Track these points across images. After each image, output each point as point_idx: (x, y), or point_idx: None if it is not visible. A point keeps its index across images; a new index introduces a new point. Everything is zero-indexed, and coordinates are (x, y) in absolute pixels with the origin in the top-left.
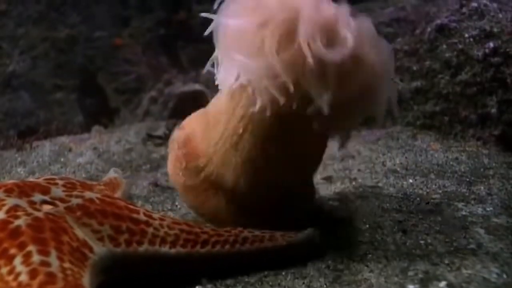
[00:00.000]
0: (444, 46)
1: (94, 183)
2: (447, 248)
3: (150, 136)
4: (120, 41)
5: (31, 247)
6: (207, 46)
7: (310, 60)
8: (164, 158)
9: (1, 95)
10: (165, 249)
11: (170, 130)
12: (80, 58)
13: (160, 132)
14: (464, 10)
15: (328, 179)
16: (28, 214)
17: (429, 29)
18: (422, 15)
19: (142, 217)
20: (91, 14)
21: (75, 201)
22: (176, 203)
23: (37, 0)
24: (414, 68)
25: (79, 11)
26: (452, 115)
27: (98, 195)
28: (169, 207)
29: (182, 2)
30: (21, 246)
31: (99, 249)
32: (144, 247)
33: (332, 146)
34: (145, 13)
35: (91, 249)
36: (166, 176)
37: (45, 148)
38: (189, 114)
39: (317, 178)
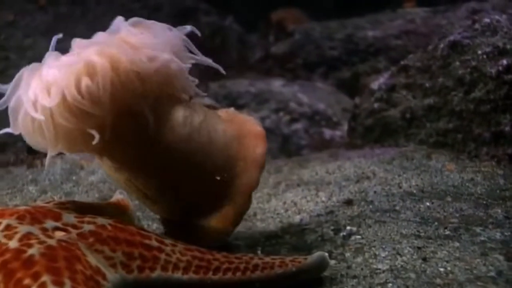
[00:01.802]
0: (457, 63)
1: (103, 203)
2: (467, 276)
3: None
4: None
5: (45, 278)
6: (214, 59)
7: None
8: None
9: None
10: (178, 275)
11: None
12: None
13: None
14: (476, 26)
15: (349, 203)
16: (41, 242)
17: (441, 46)
18: (431, 28)
19: (154, 243)
20: (98, 25)
21: (87, 227)
22: None
23: (44, 11)
24: (427, 85)
25: (87, 23)
26: (465, 133)
27: (110, 221)
28: None
29: (189, 14)
30: (35, 277)
31: (112, 276)
32: (156, 274)
33: (348, 167)
34: None
35: (104, 276)
36: None
37: (56, 165)
38: None
39: (335, 200)
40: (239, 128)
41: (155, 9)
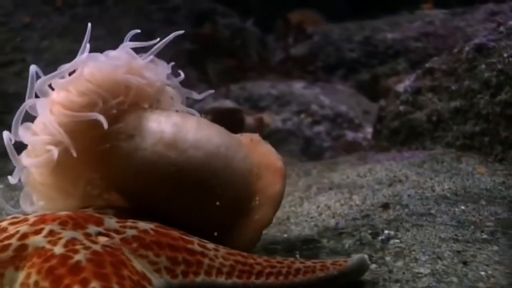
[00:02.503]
0: (483, 66)
1: None
2: (509, 280)
3: None
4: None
5: (94, 284)
6: (234, 61)
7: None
8: None
9: None
10: (222, 280)
11: None
12: None
13: None
14: (501, 29)
15: (386, 207)
16: (86, 248)
17: (467, 48)
18: (450, 30)
19: (197, 247)
20: (115, 27)
21: (130, 232)
22: None
23: (61, 13)
24: (453, 87)
25: (104, 24)
26: (492, 135)
27: (152, 226)
28: None
29: (207, 15)
30: (84, 283)
31: (157, 281)
32: (201, 278)
33: (379, 170)
34: (169, 26)
35: (150, 282)
36: None
37: None
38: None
39: (370, 204)
40: (260, 159)
41: (172, 11)
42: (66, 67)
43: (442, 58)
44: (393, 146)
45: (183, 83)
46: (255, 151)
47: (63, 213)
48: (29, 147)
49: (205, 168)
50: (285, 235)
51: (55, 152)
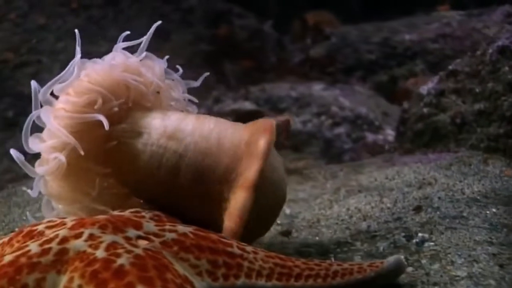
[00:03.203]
0: (506, 68)
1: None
2: None
3: None
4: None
5: None
6: (253, 63)
7: None
8: None
9: None
10: (262, 282)
11: None
12: None
13: None
14: None
15: (418, 209)
16: (128, 252)
17: (490, 51)
18: (468, 31)
19: (236, 250)
20: (131, 28)
21: (169, 235)
22: None
23: (76, 14)
24: (477, 90)
25: (119, 25)
26: None
27: (191, 229)
28: None
29: (222, 16)
30: (129, 287)
31: (199, 284)
32: (241, 281)
33: (407, 172)
34: (186, 27)
35: (192, 285)
36: None
37: None
38: None
39: (401, 207)
40: (250, 130)
41: (188, 12)
42: (62, 73)
43: (465, 60)
44: (417, 148)
45: (203, 84)
46: (249, 129)
47: (102, 217)
48: (42, 155)
49: (200, 150)
50: (317, 238)
51: (61, 156)
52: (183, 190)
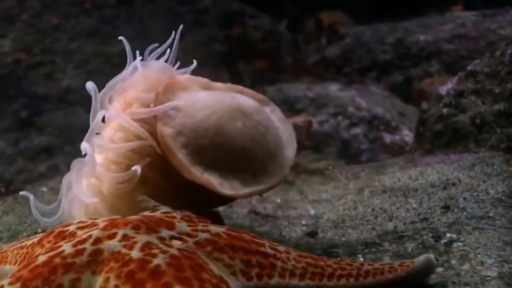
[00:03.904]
0: None
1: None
2: None
3: None
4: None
5: None
6: (268, 63)
7: None
8: None
9: (56, 110)
10: (295, 282)
11: None
12: None
13: None
14: None
15: (447, 208)
16: (163, 252)
17: (509, 51)
18: (482, 32)
19: (269, 250)
20: (144, 28)
21: (202, 235)
22: (284, 233)
23: (89, 14)
24: (496, 90)
25: (132, 26)
26: None
27: (223, 229)
28: (278, 237)
29: (236, 16)
30: (167, 287)
31: (234, 284)
32: (275, 280)
33: (430, 173)
34: (198, 27)
35: (227, 285)
36: (262, 202)
37: None
38: None
39: (427, 207)
40: None
41: (201, 13)
42: (121, 74)
43: (484, 61)
44: (437, 149)
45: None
46: None
47: (134, 217)
48: (103, 158)
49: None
50: (343, 239)
51: (138, 169)
52: None
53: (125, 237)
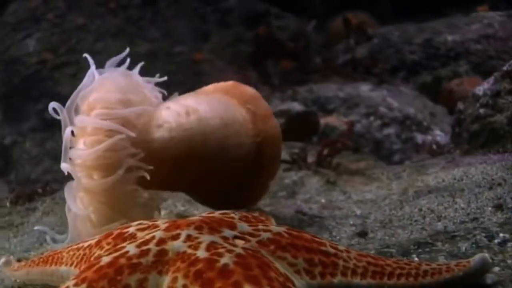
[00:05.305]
0: None
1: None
2: None
3: None
4: (201, 56)
5: (247, 287)
6: (296, 63)
7: None
8: (297, 183)
9: None
10: (357, 280)
11: (298, 155)
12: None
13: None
14: None
15: (499, 207)
16: (229, 251)
17: None
18: (510, 32)
19: (330, 249)
20: (169, 28)
21: (264, 235)
22: (333, 233)
23: (115, 14)
24: None
25: (158, 26)
26: None
27: (284, 229)
28: (327, 237)
29: (260, 17)
30: (236, 286)
31: (299, 282)
32: (337, 279)
33: (474, 173)
34: (223, 28)
35: (293, 283)
36: (307, 203)
37: None
38: (301, 135)
39: (475, 207)
40: None
41: (226, 13)
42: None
43: None
44: (474, 149)
45: (246, 85)
46: None
47: (195, 218)
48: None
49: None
50: (394, 239)
51: (120, 172)
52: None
53: (189, 237)
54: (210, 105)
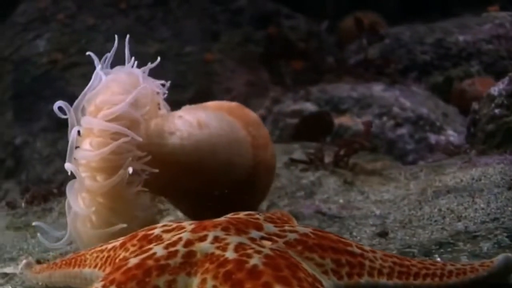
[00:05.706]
0: None
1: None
2: None
3: (293, 161)
4: (212, 57)
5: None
6: (308, 63)
7: None
8: (315, 184)
9: None
10: (384, 280)
11: (314, 155)
12: (171, 73)
13: (297, 155)
14: None
15: None
16: (257, 252)
17: None
18: None
19: (356, 249)
20: (180, 28)
21: (291, 235)
22: (354, 233)
23: (125, 14)
24: None
25: (168, 26)
26: None
27: (310, 229)
28: (348, 238)
29: (271, 17)
30: (267, 287)
31: (327, 283)
32: (364, 279)
33: (492, 173)
34: (234, 28)
35: (321, 284)
36: (326, 203)
37: None
38: (315, 135)
39: (495, 207)
40: None
41: (236, 13)
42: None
43: None
44: (489, 149)
45: (258, 85)
46: None
47: (221, 219)
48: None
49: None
50: (414, 239)
51: (130, 169)
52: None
53: (216, 238)
54: (219, 123)
